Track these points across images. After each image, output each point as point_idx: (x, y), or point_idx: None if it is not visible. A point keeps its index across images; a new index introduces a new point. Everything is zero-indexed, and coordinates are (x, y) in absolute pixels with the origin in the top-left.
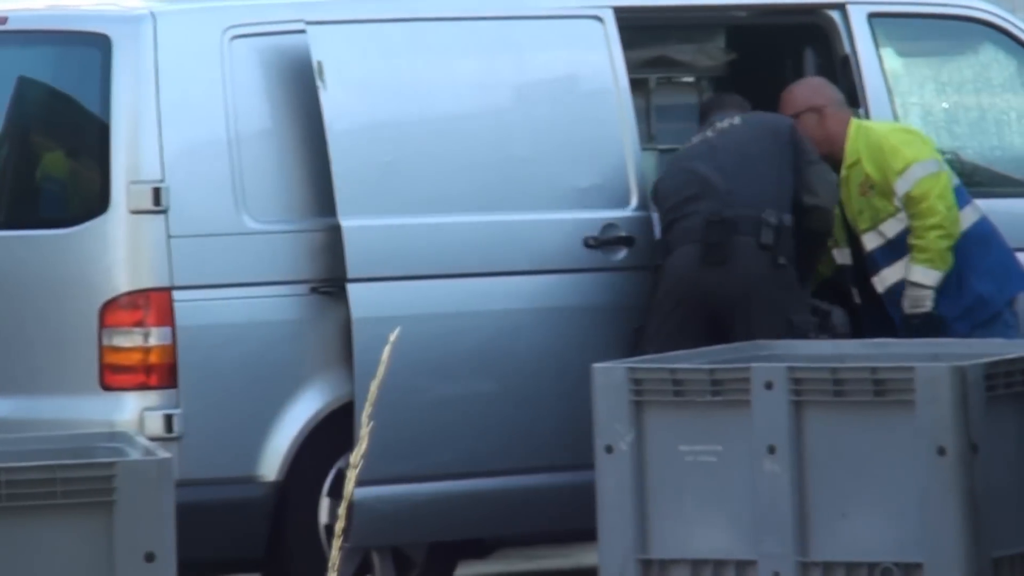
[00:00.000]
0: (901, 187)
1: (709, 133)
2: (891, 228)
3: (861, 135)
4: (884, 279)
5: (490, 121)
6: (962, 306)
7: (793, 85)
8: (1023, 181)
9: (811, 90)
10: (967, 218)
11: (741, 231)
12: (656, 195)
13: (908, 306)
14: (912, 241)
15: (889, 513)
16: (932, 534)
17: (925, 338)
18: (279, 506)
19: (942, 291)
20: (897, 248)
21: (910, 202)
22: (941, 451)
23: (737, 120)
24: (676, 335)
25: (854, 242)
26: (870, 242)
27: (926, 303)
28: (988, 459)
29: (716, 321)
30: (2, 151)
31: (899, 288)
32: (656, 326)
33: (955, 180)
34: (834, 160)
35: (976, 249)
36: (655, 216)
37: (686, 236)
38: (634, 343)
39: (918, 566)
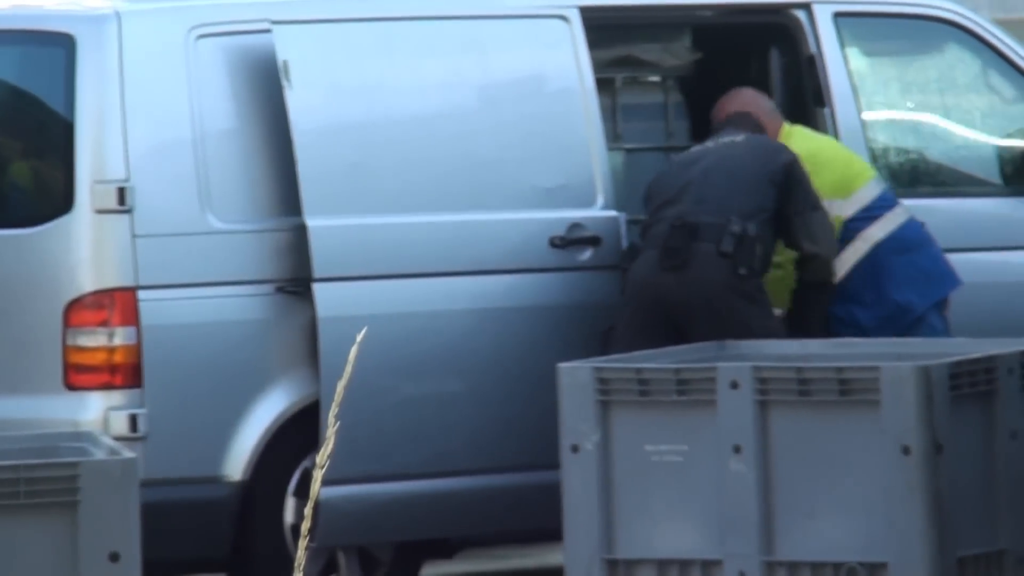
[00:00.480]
0: None
1: (710, 144)
2: None
3: (788, 140)
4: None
5: (456, 121)
6: (879, 316)
7: (724, 97)
8: (988, 181)
9: (741, 102)
10: (885, 226)
11: (702, 237)
12: (645, 196)
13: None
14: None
15: (854, 513)
16: (897, 534)
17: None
18: (244, 506)
19: (859, 301)
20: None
21: None
22: (906, 450)
23: (740, 138)
24: (639, 337)
25: None
26: None
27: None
28: (952, 458)
29: (677, 325)
30: None
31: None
32: (621, 328)
33: (882, 185)
34: None
35: (894, 258)
36: (622, 216)
37: (652, 241)
38: (603, 344)
39: (883, 566)
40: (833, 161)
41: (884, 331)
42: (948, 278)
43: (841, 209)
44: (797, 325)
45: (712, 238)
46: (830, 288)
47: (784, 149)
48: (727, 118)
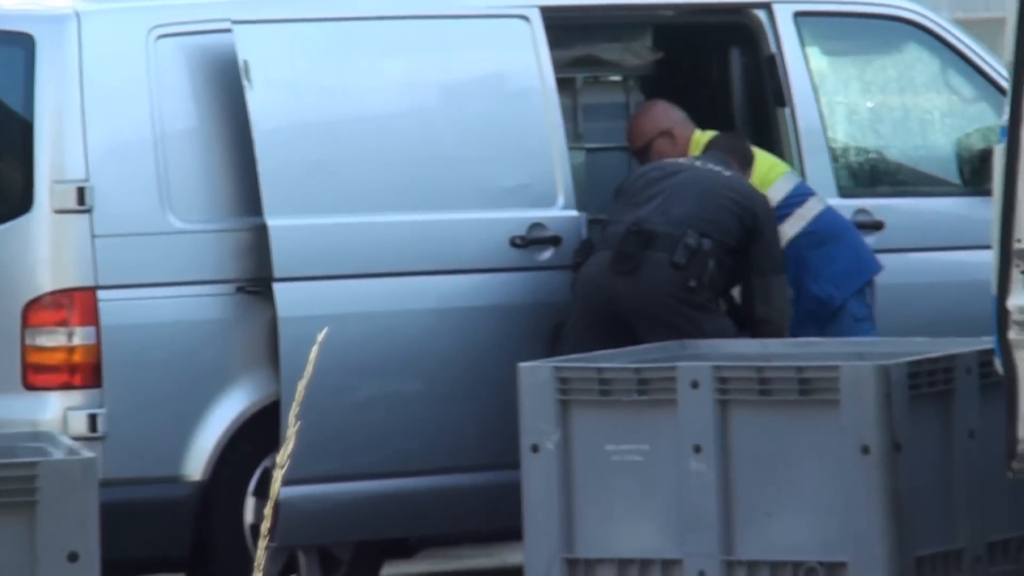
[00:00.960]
0: None
1: (696, 163)
2: None
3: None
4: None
5: (417, 120)
6: (802, 311)
7: (637, 115)
8: (946, 180)
9: (657, 117)
10: (796, 223)
11: (656, 246)
12: (616, 192)
13: None
14: None
15: (814, 512)
16: (856, 533)
17: None
18: (204, 506)
19: None
20: None
21: None
22: (865, 450)
23: (726, 173)
24: (588, 336)
25: None
26: None
27: None
28: (911, 458)
29: (627, 326)
30: None
31: None
32: (570, 326)
33: (794, 180)
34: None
35: (810, 252)
36: (583, 216)
37: (606, 241)
38: (552, 341)
39: (842, 565)
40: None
41: (807, 326)
42: (866, 265)
43: None
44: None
45: (666, 248)
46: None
47: (764, 201)
48: (712, 148)
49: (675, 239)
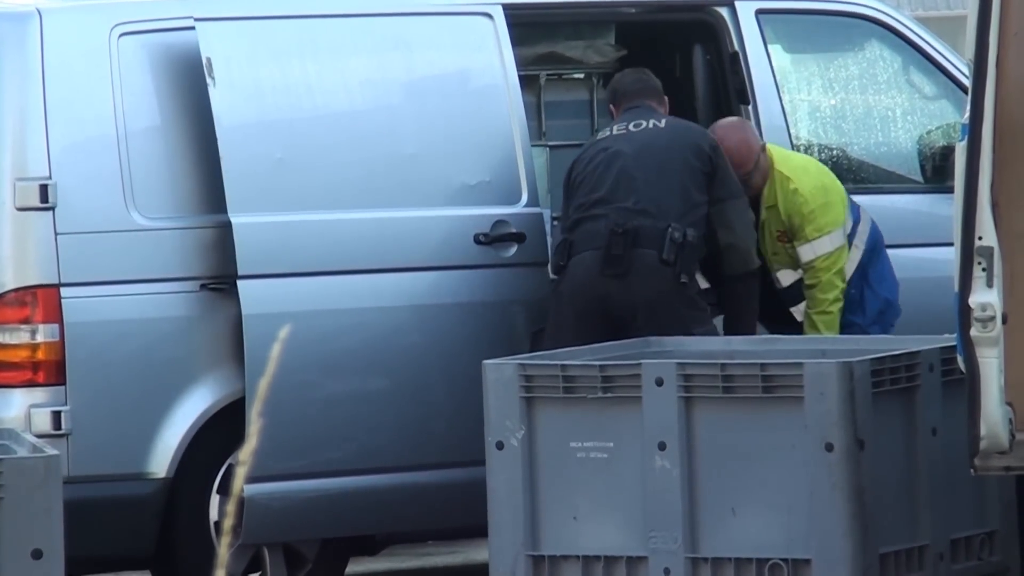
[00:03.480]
0: (806, 254)
1: (631, 128)
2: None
3: (781, 180)
4: (800, 311)
5: (380, 118)
6: (872, 311)
7: (733, 134)
8: (908, 177)
9: (752, 133)
10: (859, 246)
11: (643, 244)
12: (568, 183)
13: None
14: (814, 313)
15: (778, 509)
16: (820, 530)
17: None
18: (169, 503)
19: (847, 308)
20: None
21: (811, 271)
22: (829, 447)
23: (662, 123)
24: (574, 342)
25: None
26: (785, 279)
27: None
28: (874, 455)
29: (615, 329)
30: None
31: None
32: (555, 331)
33: (848, 206)
34: (750, 194)
35: (868, 264)
36: (546, 213)
37: (589, 241)
38: (533, 346)
39: (806, 562)
40: (838, 190)
41: (874, 328)
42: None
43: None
44: (729, 320)
45: (653, 245)
46: (752, 278)
47: (705, 136)
48: (628, 103)
49: (660, 232)
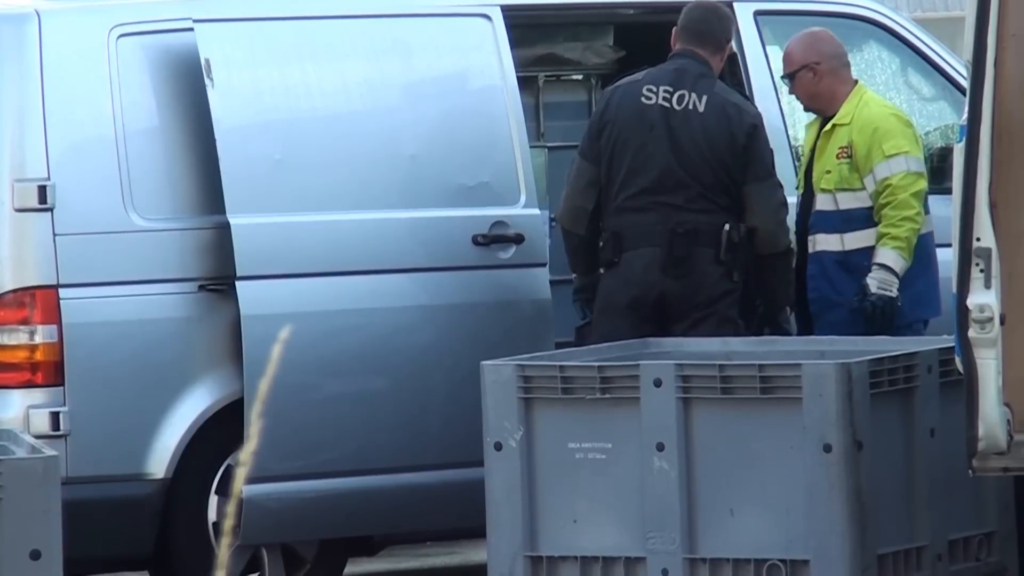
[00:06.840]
0: (882, 171)
1: (675, 103)
2: (846, 201)
3: (862, 104)
4: (817, 242)
5: (379, 119)
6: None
7: (791, 42)
8: None
9: (805, 47)
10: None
11: (701, 242)
12: (597, 133)
13: (875, 287)
14: (885, 228)
15: (776, 510)
16: (818, 531)
17: (882, 321)
18: (167, 504)
19: (916, 302)
20: (841, 221)
21: (887, 189)
22: (827, 448)
23: (702, 105)
24: (628, 334)
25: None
26: (822, 203)
27: (893, 288)
28: (872, 456)
29: (668, 323)
30: None
31: (828, 256)
32: (608, 327)
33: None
34: (823, 115)
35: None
36: (545, 214)
37: (644, 237)
38: (578, 340)
39: (804, 563)
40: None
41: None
42: (936, 303)
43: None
44: (765, 295)
45: (711, 243)
46: (780, 257)
47: (743, 119)
48: (683, 45)
49: (717, 230)
